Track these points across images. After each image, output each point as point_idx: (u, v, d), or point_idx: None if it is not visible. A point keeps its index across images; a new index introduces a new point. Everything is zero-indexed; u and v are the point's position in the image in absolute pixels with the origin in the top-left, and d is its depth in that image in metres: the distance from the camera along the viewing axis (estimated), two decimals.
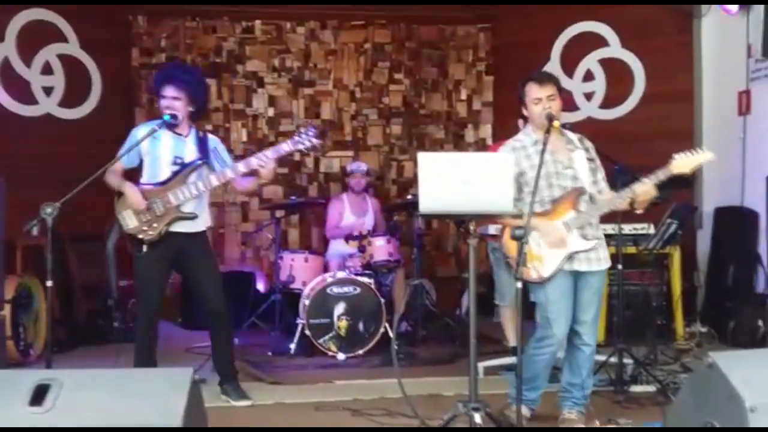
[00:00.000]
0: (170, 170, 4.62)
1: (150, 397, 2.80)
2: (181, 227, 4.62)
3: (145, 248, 4.56)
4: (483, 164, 3.43)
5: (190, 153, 4.67)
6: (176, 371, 2.93)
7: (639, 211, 4.17)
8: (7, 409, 2.75)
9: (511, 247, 3.94)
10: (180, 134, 4.67)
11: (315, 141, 4.56)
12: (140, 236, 4.56)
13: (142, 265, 4.65)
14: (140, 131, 4.67)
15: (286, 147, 4.57)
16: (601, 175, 4.18)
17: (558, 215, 4.02)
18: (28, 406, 2.75)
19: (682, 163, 3.90)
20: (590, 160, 4.14)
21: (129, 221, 4.57)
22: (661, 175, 3.93)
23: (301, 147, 4.57)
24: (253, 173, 4.63)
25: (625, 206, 4.09)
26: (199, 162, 4.66)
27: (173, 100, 4.62)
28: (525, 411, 4.09)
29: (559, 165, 4.05)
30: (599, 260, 4.10)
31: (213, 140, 4.81)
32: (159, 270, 4.68)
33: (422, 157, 3.38)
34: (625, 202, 4.05)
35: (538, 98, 4.02)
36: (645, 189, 3.95)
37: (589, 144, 4.21)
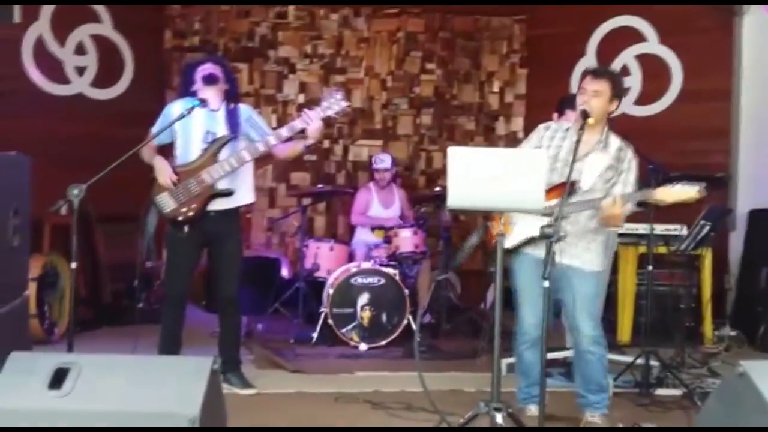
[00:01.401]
0: (201, 147, 4.58)
1: (169, 385, 2.79)
2: (216, 205, 4.58)
3: (186, 228, 4.55)
4: (515, 160, 3.36)
5: (221, 127, 4.61)
6: (196, 360, 2.92)
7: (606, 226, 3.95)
8: (27, 391, 2.76)
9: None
10: (212, 108, 4.61)
11: (343, 104, 4.50)
12: (180, 218, 4.54)
13: (175, 248, 4.65)
14: (174, 107, 4.64)
15: (318, 113, 4.49)
16: (618, 189, 3.90)
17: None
18: (48, 389, 2.76)
19: (666, 192, 3.71)
20: (610, 168, 3.92)
21: (166, 204, 4.54)
22: (639, 196, 3.79)
23: (330, 113, 4.51)
24: (298, 134, 4.54)
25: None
26: (229, 137, 4.58)
27: (214, 69, 4.62)
28: (534, 410, 4.01)
29: (571, 155, 3.80)
30: (582, 259, 3.95)
31: (246, 110, 4.74)
32: (191, 254, 4.69)
33: (452, 151, 3.31)
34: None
35: (584, 89, 3.92)
36: (608, 204, 3.78)
37: (627, 156, 3.96)
